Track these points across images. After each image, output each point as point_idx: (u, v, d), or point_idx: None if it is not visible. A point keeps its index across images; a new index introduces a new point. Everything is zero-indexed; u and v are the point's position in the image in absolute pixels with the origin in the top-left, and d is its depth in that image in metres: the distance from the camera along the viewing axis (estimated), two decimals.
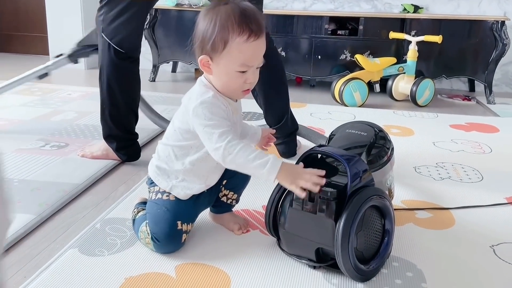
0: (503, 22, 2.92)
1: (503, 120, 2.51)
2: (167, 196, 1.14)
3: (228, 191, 1.25)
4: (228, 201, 1.26)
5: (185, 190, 1.14)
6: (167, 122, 1.90)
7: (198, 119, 1.04)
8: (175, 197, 1.14)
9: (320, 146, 1.18)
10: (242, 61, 1.03)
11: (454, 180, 1.63)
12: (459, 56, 3.05)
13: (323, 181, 1.00)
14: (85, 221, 1.30)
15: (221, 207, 1.27)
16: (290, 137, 1.80)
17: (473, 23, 3.01)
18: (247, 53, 1.02)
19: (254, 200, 1.42)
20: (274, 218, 1.13)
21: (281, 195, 1.13)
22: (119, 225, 1.25)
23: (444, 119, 2.50)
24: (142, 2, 1.58)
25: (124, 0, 1.55)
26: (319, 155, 1.17)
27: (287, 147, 1.80)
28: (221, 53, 1.02)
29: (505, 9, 3.27)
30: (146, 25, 3.28)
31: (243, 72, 1.04)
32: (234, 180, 1.24)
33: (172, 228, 1.09)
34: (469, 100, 3.07)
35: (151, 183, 1.18)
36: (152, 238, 1.10)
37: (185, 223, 1.12)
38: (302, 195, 0.99)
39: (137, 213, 1.20)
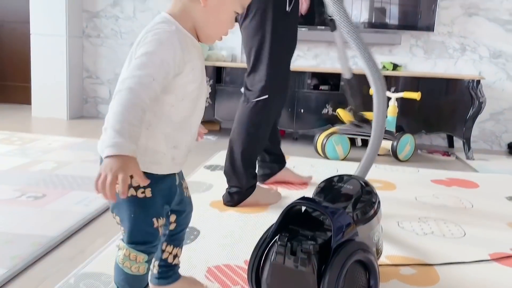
0: (478, 81, 3.04)
1: (482, 176, 2.55)
2: (142, 193, 0.93)
3: (170, 246, 1.10)
4: (174, 261, 1.12)
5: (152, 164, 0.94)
6: None
7: (147, 36, 0.89)
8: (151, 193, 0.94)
9: (305, 198, 1.17)
10: (244, 2, 1.00)
11: (437, 235, 1.62)
12: (437, 113, 3.13)
13: (126, 182, 0.80)
14: (59, 276, 1.24)
15: (167, 275, 1.11)
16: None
17: (450, 81, 3.12)
18: None
19: (235, 254, 1.39)
20: (257, 274, 1.09)
21: (264, 248, 1.10)
22: (94, 280, 1.20)
23: (425, 174, 2.52)
24: None
25: None
26: (304, 208, 1.16)
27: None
28: None
29: (480, 69, 3.41)
30: None
31: (235, 15, 1.00)
32: (180, 210, 1.07)
33: (151, 226, 0.95)
34: (449, 155, 3.13)
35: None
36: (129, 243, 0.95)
37: (160, 218, 0.97)
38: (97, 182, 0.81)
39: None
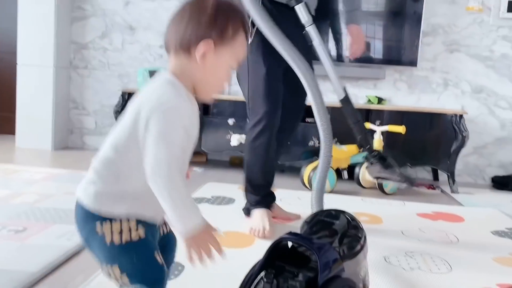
0: (461, 116, 3.10)
1: (467, 209, 2.57)
2: (136, 235, 0.94)
3: None
4: None
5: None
6: None
7: (161, 116, 0.90)
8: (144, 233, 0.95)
9: (291, 234, 1.16)
10: (239, 57, 1.02)
11: (423, 270, 1.61)
12: (422, 147, 3.17)
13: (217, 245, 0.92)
14: None
15: None
16: None
17: (433, 115, 3.17)
18: (243, 51, 1.02)
19: None
20: None
21: (250, 285, 1.08)
22: None
23: (411, 207, 2.53)
24: None
25: None
26: (290, 243, 1.14)
27: None
28: (228, 43, 0.98)
29: (462, 103, 3.48)
30: (118, 108, 3.32)
31: (231, 70, 1.02)
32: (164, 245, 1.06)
33: (156, 262, 0.95)
34: (434, 189, 3.15)
35: (99, 219, 0.94)
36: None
37: (159, 252, 0.98)
38: (190, 259, 0.91)
39: None
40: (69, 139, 3.89)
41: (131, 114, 0.94)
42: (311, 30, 1.79)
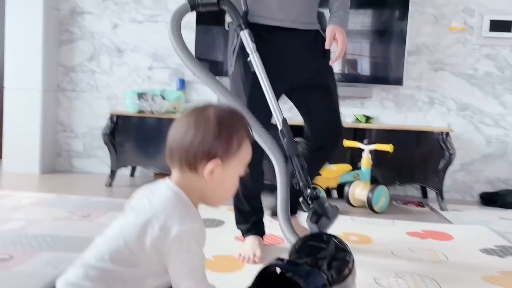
0: (447, 134, 3.13)
1: (456, 227, 2.58)
2: None
3: None
4: None
5: None
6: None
7: (181, 245, 0.90)
8: None
9: (279, 259, 1.16)
10: (246, 162, 1.03)
11: None
12: (410, 164, 3.20)
13: None
14: None
15: None
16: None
17: (420, 133, 3.21)
18: (249, 155, 1.03)
19: None
20: None
21: None
22: None
23: (401, 226, 2.54)
24: None
25: None
26: (278, 269, 1.14)
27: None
28: (234, 155, 0.98)
29: (449, 121, 3.53)
30: (107, 130, 3.31)
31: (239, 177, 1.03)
32: None
33: None
34: (423, 206, 3.16)
35: None
36: None
37: None
38: None
39: None
40: (57, 162, 3.86)
41: (137, 227, 0.92)
42: (252, 59, 1.70)
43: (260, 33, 1.75)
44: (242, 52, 1.76)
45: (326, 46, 1.79)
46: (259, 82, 1.71)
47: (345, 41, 1.79)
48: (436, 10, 3.50)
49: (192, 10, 1.69)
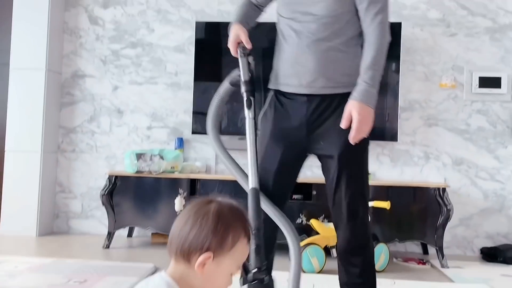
0: (443, 189, 3.15)
1: (458, 286, 2.55)
2: None
3: None
4: None
5: None
6: None
7: None
8: None
9: None
10: (240, 262, 1.03)
11: None
12: (408, 221, 3.19)
13: None
14: None
15: None
16: None
17: (417, 189, 3.23)
18: (245, 255, 1.03)
19: None
20: None
21: None
22: None
23: (402, 286, 2.50)
24: None
25: None
26: None
27: None
28: (228, 252, 0.99)
29: (445, 175, 3.55)
30: (104, 191, 3.32)
31: (232, 276, 1.02)
32: None
33: None
34: (424, 263, 3.13)
35: None
36: None
37: None
38: None
39: None
40: (54, 224, 3.83)
41: None
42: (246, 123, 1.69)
43: (280, 99, 1.76)
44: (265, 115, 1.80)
45: (341, 125, 1.60)
46: (274, 142, 1.75)
47: (364, 121, 1.55)
48: (426, 67, 3.61)
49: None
